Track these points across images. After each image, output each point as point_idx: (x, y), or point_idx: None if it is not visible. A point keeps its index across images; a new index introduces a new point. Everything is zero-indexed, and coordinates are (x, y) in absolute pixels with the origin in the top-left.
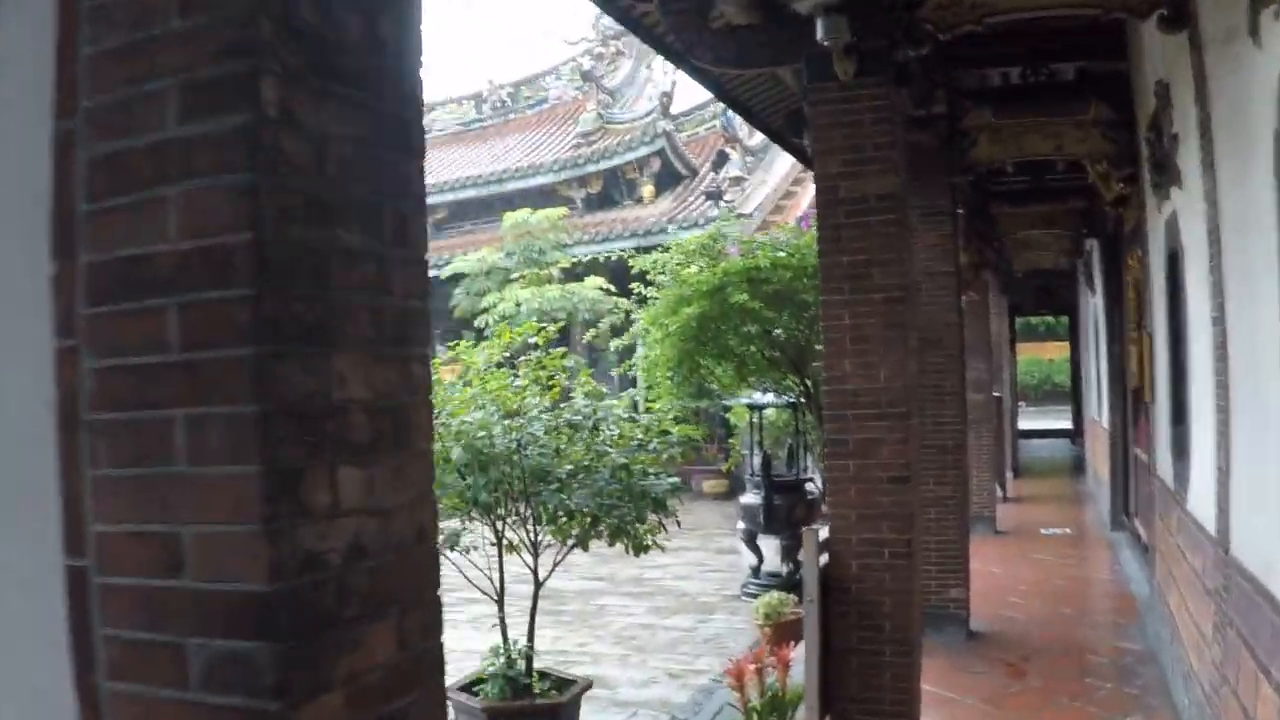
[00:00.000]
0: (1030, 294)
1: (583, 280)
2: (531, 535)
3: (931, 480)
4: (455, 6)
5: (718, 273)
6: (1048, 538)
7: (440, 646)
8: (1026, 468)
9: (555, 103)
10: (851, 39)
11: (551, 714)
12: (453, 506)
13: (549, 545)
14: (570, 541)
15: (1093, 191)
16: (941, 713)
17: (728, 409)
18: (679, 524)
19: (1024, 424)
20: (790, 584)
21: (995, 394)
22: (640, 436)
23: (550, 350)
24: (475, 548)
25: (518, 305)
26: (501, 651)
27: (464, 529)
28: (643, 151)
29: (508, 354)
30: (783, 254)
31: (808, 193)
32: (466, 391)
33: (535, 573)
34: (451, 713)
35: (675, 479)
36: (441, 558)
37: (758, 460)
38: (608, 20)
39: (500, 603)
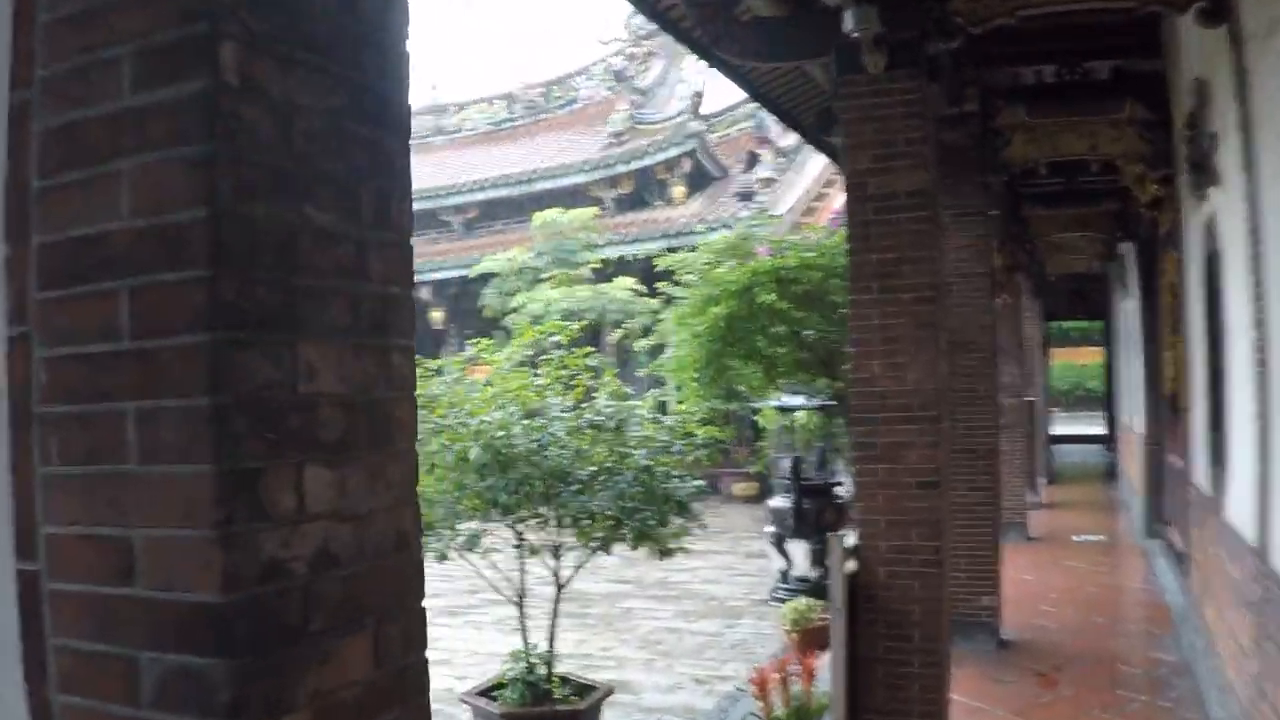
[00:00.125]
0: (1063, 298)
1: (613, 281)
2: (554, 538)
3: (962, 486)
4: (485, 7)
5: (746, 272)
6: (1080, 545)
7: (423, 661)
8: (1059, 473)
9: (587, 103)
10: (881, 30)
11: None
12: (473, 507)
13: (572, 548)
14: (593, 544)
15: (1127, 194)
16: None
17: (757, 411)
18: (703, 527)
19: (1056, 429)
20: (819, 589)
21: (1028, 398)
22: (665, 438)
23: (573, 350)
24: (497, 549)
25: (547, 305)
26: (522, 656)
27: (484, 530)
28: (674, 152)
29: (532, 353)
30: (812, 254)
31: (839, 195)
32: (487, 391)
33: (557, 576)
34: (470, 717)
35: (700, 482)
36: (461, 560)
37: (787, 463)
38: (640, 20)
39: (521, 606)
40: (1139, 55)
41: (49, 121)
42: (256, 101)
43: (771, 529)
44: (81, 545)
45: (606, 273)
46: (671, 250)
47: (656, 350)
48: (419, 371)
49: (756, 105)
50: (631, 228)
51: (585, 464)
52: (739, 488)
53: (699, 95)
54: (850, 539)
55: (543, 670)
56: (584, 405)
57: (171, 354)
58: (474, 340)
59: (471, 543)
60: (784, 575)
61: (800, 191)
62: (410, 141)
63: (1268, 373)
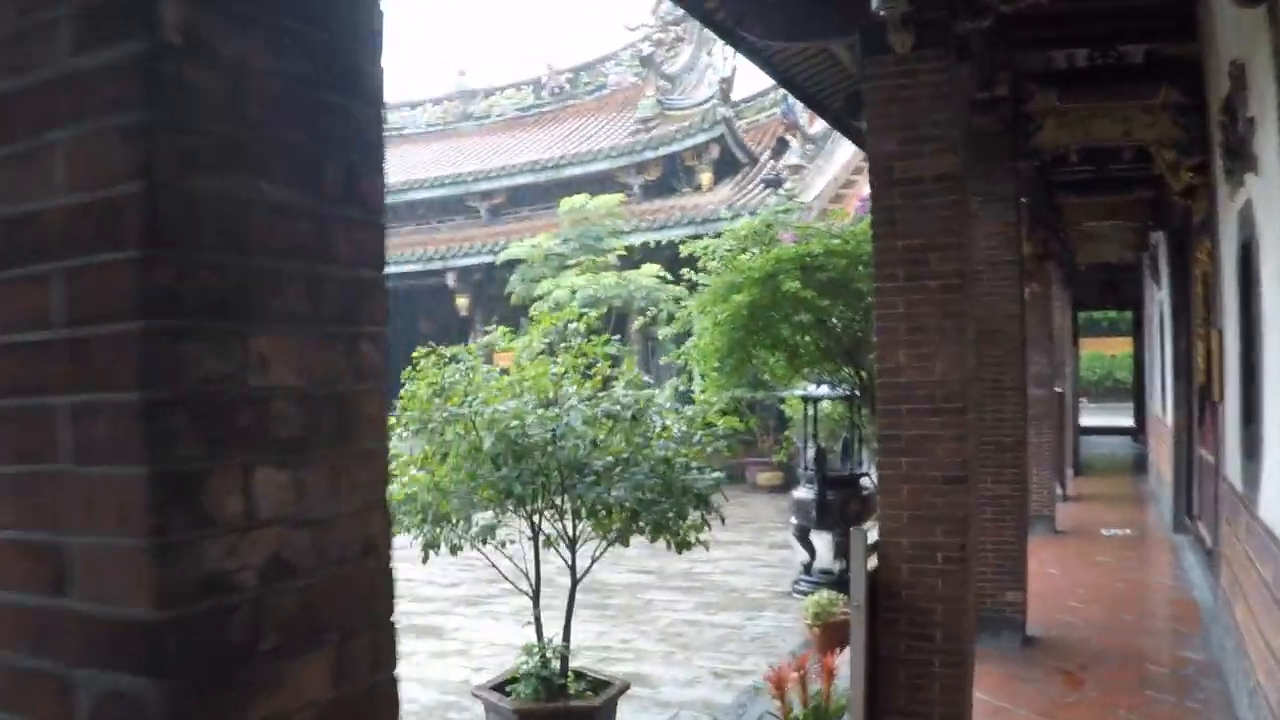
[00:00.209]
0: (1093, 288)
1: (639, 268)
2: (571, 530)
3: (989, 479)
4: None
5: (769, 259)
6: (1108, 539)
7: (393, 680)
8: (1087, 465)
9: (614, 89)
10: (909, 8)
11: (585, 717)
12: (487, 498)
13: (589, 539)
14: (610, 536)
15: (1159, 182)
16: None
17: (783, 400)
18: (722, 521)
19: (1085, 420)
20: (842, 582)
21: (1057, 389)
22: (684, 428)
23: (591, 338)
24: (512, 541)
25: (573, 292)
26: (536, 650)
27: (499, 521)
28: (701, 138)
29: (550, 341)
30: (837, 240)
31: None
32: (503, 380)
33: (573, 569)
34: (483, 712)
35: (719, 474)
36: (479, 552)
37: (811, 454)
38: (667, 5)
39: (536, 599)
40: (1173, 38)
41: None
42: (204, 63)
43: (795, 520)
44: (11, 552)
45: (633, 259)
46: (698, 237)
47: (682, 338)
48: (432, 360)
49: (785, 91)
50: (658, 214)
51: (602, 455)
52: (763, 477)
53: (727, 81)
54: (873, 534)
55: (557, 665)
56: (601, 395)
57: (104, 344)
58: (488, 330)
59: (485, 534)
60: (807, 568)
61: (828, 178)
62: (436, 129)
63: None
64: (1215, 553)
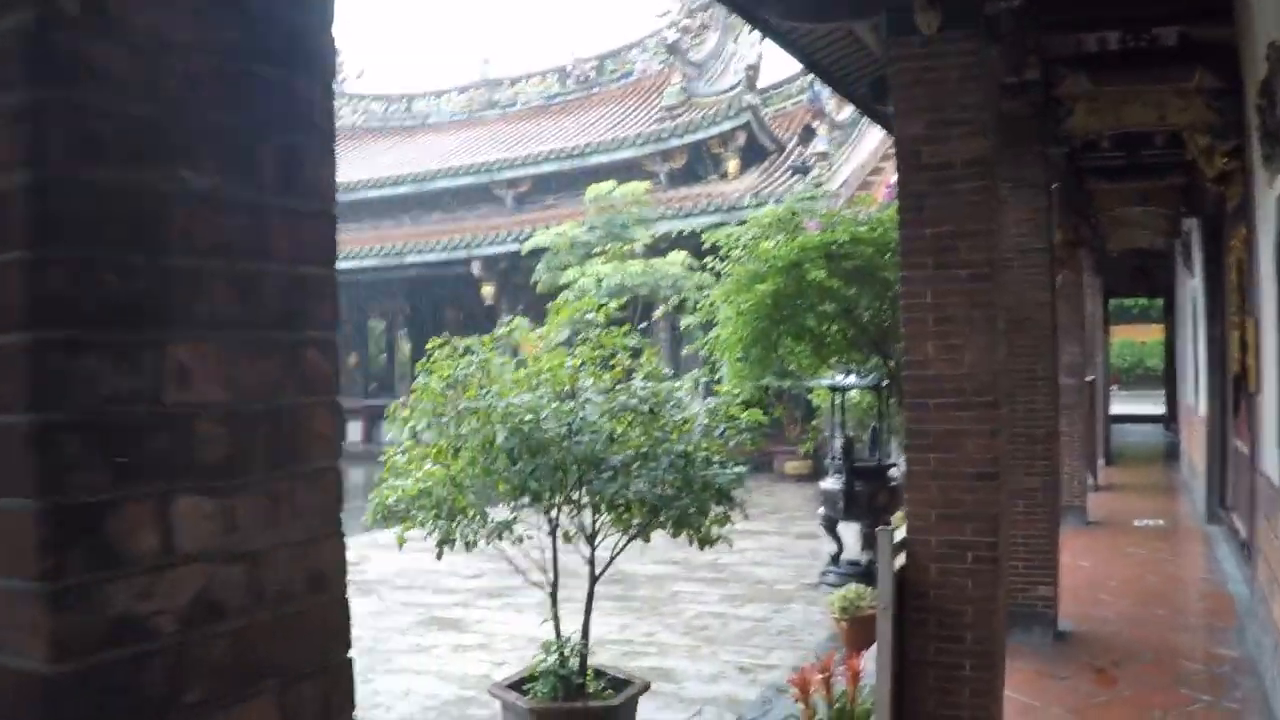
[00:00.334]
0: (1125, 275)
1: (665, 256)
2: (590, 525)
3: (1020, 471)
4: None
5: (794, 247)
6: (1140, 530)
7: None
8: (1118, 454)
9: (640, 76)
10: None
11: (604, 717)
12: (503, 493)
13: (611, 532)
14: (631, 531)
15: (1193, 167)
16: None
17: (811, 390)
18: (745, 517)
19: (1116, 409)
20: (870, 574)
21: (1088, 378)
22: (706, 421)
23: (610, 328)
24: (530, 536)
25: (599, 281)
26: (554, 648)
27: (515, 517)
28: (727, 126)
29: (569, 332)
30: (863, 228)
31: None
32: (519, 372)
33: (592, 564)
34: (499, 712)
35: (742, 469)
36: (499, 547)
37: (839, 444)
38: None
39: (554, 596)
40: (1208, 20)
41: None
42: (109, 36)
43: (823, 511)
44: None
45: (660, 248)
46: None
47: (707, 327)
48: (446, 350)
49: (812, 79)
50: (684, 202)
51: (620, 449)
52: (791, 466)
53: (754, 68)
54: (900, 532)
55: (575, 663)
56: (620, 387)
57: None
58: (516, 317)
59: (500, 530)
60: (835, 559)
61: (855, 165)
62: (461, 117)
63: None
64: (1250, 546)
